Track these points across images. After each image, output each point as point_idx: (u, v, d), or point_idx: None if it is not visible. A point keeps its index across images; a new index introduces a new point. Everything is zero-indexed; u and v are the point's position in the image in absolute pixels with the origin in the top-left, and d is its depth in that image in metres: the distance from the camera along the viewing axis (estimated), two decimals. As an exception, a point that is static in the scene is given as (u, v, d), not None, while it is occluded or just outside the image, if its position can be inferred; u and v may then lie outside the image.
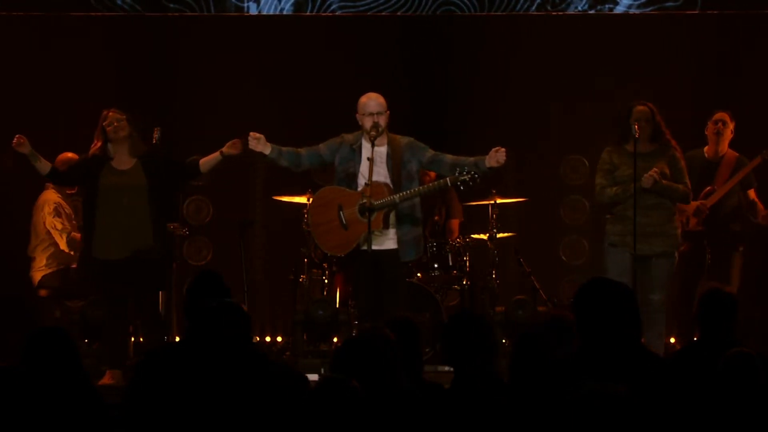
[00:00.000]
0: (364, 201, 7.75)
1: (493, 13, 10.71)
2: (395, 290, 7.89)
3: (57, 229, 9.24)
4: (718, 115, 9.01)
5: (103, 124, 8.33)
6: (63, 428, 4.85)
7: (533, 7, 10.69)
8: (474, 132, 10.66)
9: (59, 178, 8.62)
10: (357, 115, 7.95)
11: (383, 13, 10.76)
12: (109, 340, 8.38)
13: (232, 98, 10.64)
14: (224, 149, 8.36)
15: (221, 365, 4.87)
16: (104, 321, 8.43)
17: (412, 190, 7.85)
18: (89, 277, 8.52)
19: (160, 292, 8.64)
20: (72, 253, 9.26)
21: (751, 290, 9.51)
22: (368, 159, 7.77)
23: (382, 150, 7.94)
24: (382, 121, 7.87)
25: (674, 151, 8.33)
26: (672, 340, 9.35)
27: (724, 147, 8.98)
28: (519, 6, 10.70)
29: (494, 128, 10.69)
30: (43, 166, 8.35)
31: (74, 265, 9.30)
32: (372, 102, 7.92)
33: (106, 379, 8.13)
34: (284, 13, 10.77)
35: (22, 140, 8.25)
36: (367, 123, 7.88)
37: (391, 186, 7.86)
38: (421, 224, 8.15)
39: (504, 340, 8.92)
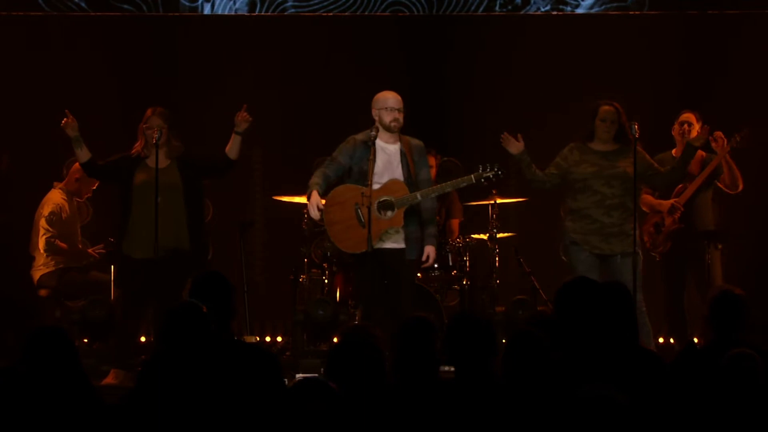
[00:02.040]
0: (384, 198, 7.79)
1: (449, 14, 10.76)
2: (409, 288, 7.93)
3: (41, 231, 9.20)
4: (684, 116, 9.01)
5: (144, 125, 8.32)
6: (62, 428, 4.85)
7: (482, 8, 10.73)
8: (473, 132, 10.69)
9: (95, 170, 8.53)
10: (374, 110, 7.96)
11: (331, 14, 10.80)
12: (120, 338, 8.36)
13: (231, 98, 10.63)
14: (236, 129, 8.36)
15: (189, 365, 4.92)
16: (120, 318, 8.41)
17: (436, 187, 7.89)
18: (118, 274, 8.50)
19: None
20: (45, 255, 9.20)
21: (750, 290, 9.51)
22: (370, 159, 7.78)
23: (395, 148, 7.96)
24: (401, 117, 7.93)
25: (638, 147, 8.23)
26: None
27: None
28: (470, 6, 10.72)
29: (493, 128, 10.71)
30: (84, 153, 8.32)
31: (73, 264, 9.29)
32: (391, 98, 7.96)
33: (109, 379, 8.12)
34: (238, 12, 10.78)
35: (71, 122, 8.20)
36: (387, 117, 7.90)
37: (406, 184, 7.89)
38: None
39: (504, 340, 8.91)
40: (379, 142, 7.90)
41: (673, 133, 9.02)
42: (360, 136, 7.95)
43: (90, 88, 10.28)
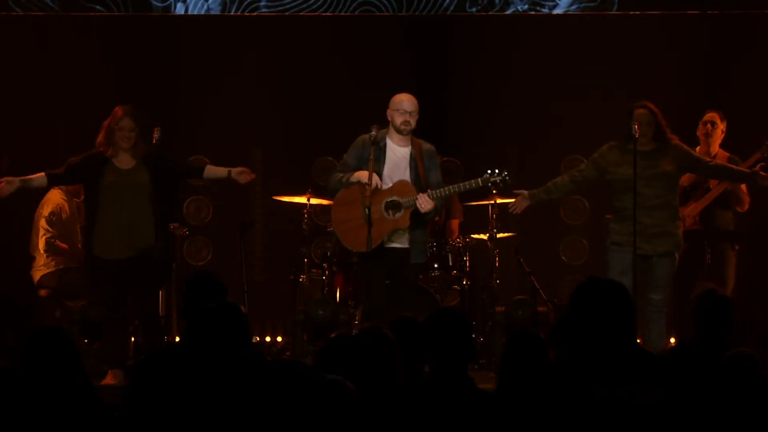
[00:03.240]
0: (392, 199, 7.83)
1: (419, 14, 10.77)
2: (406, 289, 7.93)
3: (41, 232, 9.21)
4: (708, 116, 9.04)
5: (114, 126, 8.30)
6: (62, 428, 4.85)
7: (452, 7, 10.76)
8: (473, 132, 10.69)
9: (62, 181, 8.60)
10: (388, 111, 7.99)
11: (302, 13, 10.83)
12: (109, 339, 8.36)
13: (232, 98, 10.65)
14: (234, 172, 8.39)
15: (220, 366, 4.86)
16: (103, 320, 8.41)
17: (442, 190, 7.90)
18: (90, 275, 8.51)
19: (160, 293, 8.64)
20: (45, 255, 9.21)
21: (751, 290, 9.51)
22: (370, 159, 7.79)
23: (405, 151, 7.98)
24: (413, 121, 7.92)
25: (675, 142, 8.30)
26: (672, 340, 9.34)
27: (715, 147, 9.01)
28: (440, 5, 10.75)
29: (494, 128, 10.73)
30: (39, 181, 8.35)
31: (73, 264, 9.29)
32: (406, 101, 7.98)
33: (108, 379, 8.12)
34: (211, 12, 10.78)
35: (5, 185, 8.23)
36: (398, 119, 7.94)
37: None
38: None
39: (504, 341, 8.91)
40: (390, 144, 7.97)
41: (698, 133, 9.03)
42: (367, 136, 7.98)
43: (89, 88, 10.28)
